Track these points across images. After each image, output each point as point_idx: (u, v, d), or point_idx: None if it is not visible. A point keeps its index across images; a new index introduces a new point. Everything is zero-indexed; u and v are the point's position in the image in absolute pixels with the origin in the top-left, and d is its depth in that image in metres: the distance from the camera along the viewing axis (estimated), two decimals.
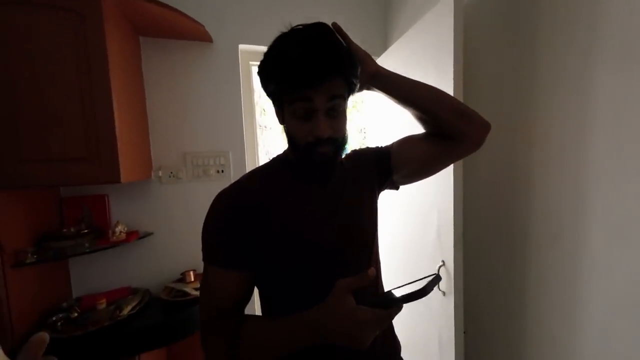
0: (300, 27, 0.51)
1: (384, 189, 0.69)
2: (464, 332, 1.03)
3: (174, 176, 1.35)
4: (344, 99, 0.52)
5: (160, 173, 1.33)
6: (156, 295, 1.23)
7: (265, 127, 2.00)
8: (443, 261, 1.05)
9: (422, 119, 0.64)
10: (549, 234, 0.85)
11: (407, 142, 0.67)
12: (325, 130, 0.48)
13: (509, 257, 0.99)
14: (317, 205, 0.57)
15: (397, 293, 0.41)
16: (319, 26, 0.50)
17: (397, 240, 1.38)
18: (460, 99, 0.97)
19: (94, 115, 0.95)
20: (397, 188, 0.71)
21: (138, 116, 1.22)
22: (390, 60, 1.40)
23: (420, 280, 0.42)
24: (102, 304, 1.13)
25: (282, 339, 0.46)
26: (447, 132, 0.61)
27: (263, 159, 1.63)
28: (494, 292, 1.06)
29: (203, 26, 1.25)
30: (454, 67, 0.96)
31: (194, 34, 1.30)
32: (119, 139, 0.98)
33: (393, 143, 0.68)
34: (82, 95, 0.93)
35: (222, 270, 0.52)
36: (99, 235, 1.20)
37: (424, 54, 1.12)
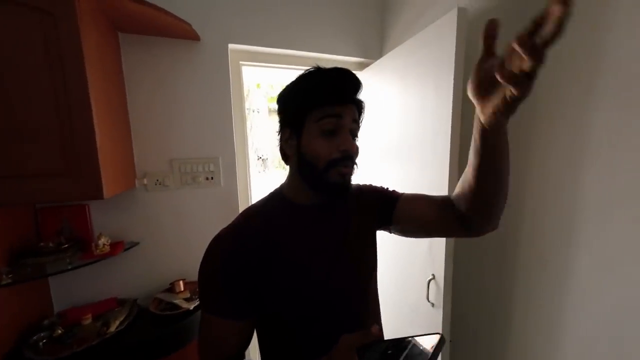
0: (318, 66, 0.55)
1: (378, 229, 0.67)
2: (450, 341, 1.08)
3: (160, 184, 1.29)
4: (359, 129, 0.56)
5: (145, 181, 1.26)
6: (144, 306, 1.20)
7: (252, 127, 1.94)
8: (433, 274, 1.08)
9: (477, 196, 0.52)
10: (537, 256, 0.89)
11: (418, 201, 0.64)
12: (352, 144, 0.52)
13: (497, 275, 1.03)
14: (322, 245, 0.56)
15: (398, 345, 0.41)
16: (348, 69, 0.54)
17: (387, 252, 1.40)
18: (459, 116, 0.96)
19: (71, 125, 0.87)
20: (389, 232, 0.68)
21: (119, 120, 1.14)
22: (386, 68, 1.36)
23: (422, 337, 0.42)
24: (88, 319, 1.09)
25: None
26: (475, 218, 0.55)
27: (253, 162, 1.58)
28: (481, 307, 1.10)
29: (189, 25, 1.16)
30: (454, 83, 0.95)
31: (179, 31, 1.20)
32: (100, 151, 0.91)
33: (403, 194, 0.66)
34: (58, 103, 0.85)
35: (222, 320, 0.50)
36: (80, 248, 1.14)
37: (423, 66, 1.09)
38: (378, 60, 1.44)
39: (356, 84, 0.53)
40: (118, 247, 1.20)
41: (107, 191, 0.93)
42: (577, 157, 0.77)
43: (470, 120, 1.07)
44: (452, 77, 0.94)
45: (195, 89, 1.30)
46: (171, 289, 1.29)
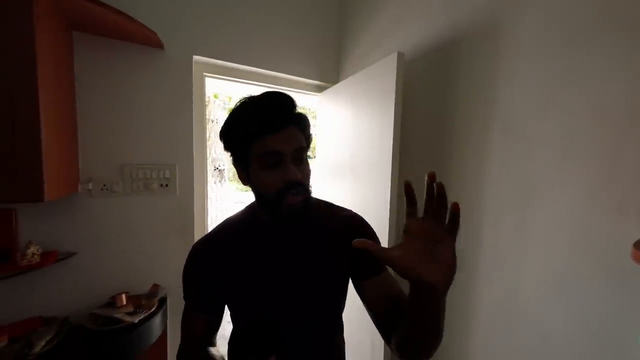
0: (250, 96, 0.56)
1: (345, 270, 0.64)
2: None
3: (107, 189, 1.22)
4: (305, 149, 0.56)
5: (90, 186, 1.18)
6: (79, 324, 1.09)
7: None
8: None
9: (405, 336, 0.49)
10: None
11: (385, 290, 0.57)
12: (295, 173, 0.52)
13: None
14: (272, 273, 0.59)
15: None
16: (270, 91, 0.55)
17: None
18: (398, 138, 1.15)
19: (11, 120, 0.81)
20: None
21: (65, 119, 1.07)
22: (341, 93, 1.54)
23: None
24: (3, 341, 0.95)
25: None
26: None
27: (210, 172, 1.58)
28: None
29: (154, 33, 1.18)
30: (394, 110, 1.14)
31: (141, 37, 1.20)
32: (45, 148, 0.86)
33: (386, 270, 0.59)
34: None
35: (193, 310, 0.63)
36: (2, 259, 1.00)
37: (370, 95, 1.28)
38: (334, 86, 1.62)
39: (289, 107, 0.53)
40: (50, 257, 1.08)
41: (48, 193, 0.87)
42: (479, 175, 1.00)
43: (406, 142, 1.30)
44: (393, 105, 1.14)
45: (155, 96, 1.29)
46: (111, 303, 1.19)
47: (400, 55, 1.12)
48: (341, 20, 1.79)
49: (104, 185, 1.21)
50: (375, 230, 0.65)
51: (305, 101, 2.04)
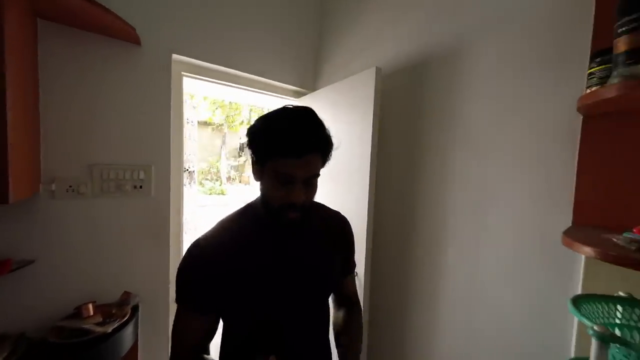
0: (291, 106, 0.59)
1: None
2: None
3: (73, 190, 1.12)
4: (318, 175, 0.61)
5: (53, 186, 1.08)
6: (38, 339, 0.98)
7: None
8: (356, 272, 1.30)
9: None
10: (426, 250, 1.22)
11: (348, 280, 0.80)
12: (300, 197, 0.57)
13: (400, 265, 1.33)
14: (273, 270, 0.62)
15: None
16: (308, 110, 0.59)
17: None
18: (376, 145, 1.26)
19: None
20: None
21: (27, 116, 0.98)
22: (320, 100, 1.62)
23: None
24: None
25: None
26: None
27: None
28: (391, 291, 1.39)
29: (133, 28, 1.13)
30: (372, 120, 1.25)
31: (117, 31, 1.14)
32: (12, 147, 0.79)
33: (352, 273, 0.82)
34: None
35: (190, 313, 0.59)
36: None
37: (350, 104, 1.38)
38: (313, 92, 1.69)
39: (318, 133, 0.56)
40: (3, 266, 0.97)
41: (13, 195, 0.80)
42: (444, 180, 1.15)
43: (385, 151, 1.41)
44: (372, 115, 1.24)
45: (129, 94, 1.23)
46: (76, 314, 1.10)
47: (379, 70, 1.23)
48: (321, 30, 1.88)
49: (70, 186, 1.12)
50: (354, 228, 0.81)
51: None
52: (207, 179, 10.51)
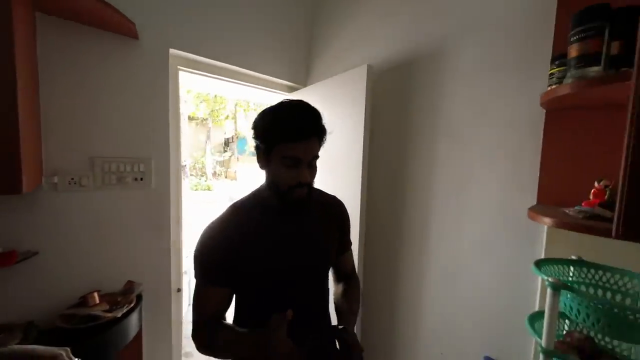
0: (289, 100, 0.69)
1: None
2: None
3: (75, 183, 1.14)
4: (317, 157, 0.71)
5: (55, 179, 1.10)
6: (46, 327, 1.02)
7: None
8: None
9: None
10: (412, 247, 1.34)
11: (345, 257, 0.89)
12: (307, 177, 0.67)
13: (390, 263, 1.45)
14: (282, 243, 0.72)
15: None
16: (303, 101, 0.69)
17: None
18: (368, 139, 1.36)
19: None
20: None
21: (30, 109, 0.99)
22: (312, 95, 1.69)
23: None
24: None
25: (243, 346, 0.66)
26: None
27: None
28: (381, 287, 1.51)
29: (132, 23, 1.15)
30: (364, 115, 1.34)
31: (116, 25, 1.16)
32: (23, 137, 0.81)
33: (349, 250, 0.90)
34: None
35: (210, 288, 0.69)
36: None
37: (342, 99, 1.46)
38: (305, 88, 1.76)
39: (316, 120, 0.66)
40: (10, 259, 0.99)
41: (27, 185, 0.83)
42: (429, 167, 1.27)
43: (376, 142, 1.52)
44: (364, 110, 1.34)
45: (128, 87, 1.25)
46: (82, 303, 1.13)
47: (370, 67, 1.32)
48: (313, 27, 1.94)
49: (72, 179, 1.14)
50: (349, 210, 0.91)
51: (274, 100, 2.13)
52: (192, 175, 10.30)
